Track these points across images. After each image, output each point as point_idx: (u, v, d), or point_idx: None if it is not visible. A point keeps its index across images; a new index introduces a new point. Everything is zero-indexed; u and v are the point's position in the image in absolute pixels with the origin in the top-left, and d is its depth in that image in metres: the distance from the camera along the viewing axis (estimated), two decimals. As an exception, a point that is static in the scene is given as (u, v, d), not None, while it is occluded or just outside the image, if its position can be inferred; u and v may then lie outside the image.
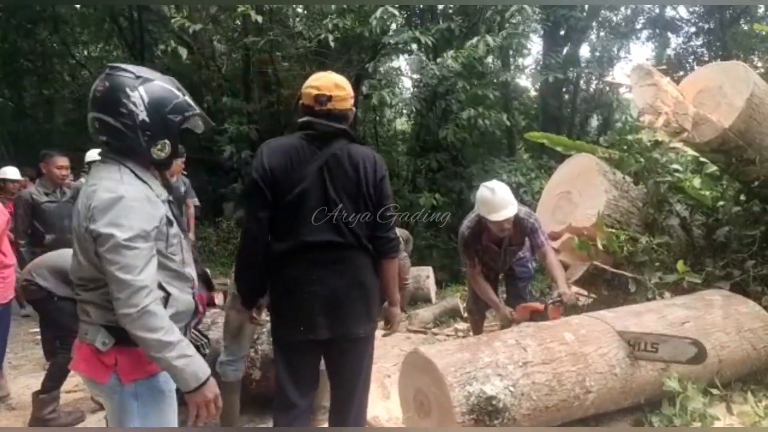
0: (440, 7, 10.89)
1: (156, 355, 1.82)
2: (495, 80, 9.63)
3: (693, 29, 16.44)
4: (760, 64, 15.22)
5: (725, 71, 4.21)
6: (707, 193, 4.85)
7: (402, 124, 15.58)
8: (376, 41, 9.31)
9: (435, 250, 10.35)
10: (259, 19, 8.23)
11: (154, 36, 15.22)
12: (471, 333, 5.27)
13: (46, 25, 14.09)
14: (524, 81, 16.95)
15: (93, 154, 6.60)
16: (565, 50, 13.91)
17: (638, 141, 4.74)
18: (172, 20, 9.37)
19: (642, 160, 4.72)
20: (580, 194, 4.64)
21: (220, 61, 12.92)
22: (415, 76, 10.08)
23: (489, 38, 7.80)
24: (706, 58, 15.89)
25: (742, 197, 4.55)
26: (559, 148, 5.31)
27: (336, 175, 2.45)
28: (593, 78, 16.68)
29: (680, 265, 4.16)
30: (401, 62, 12.47)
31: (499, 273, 4.71)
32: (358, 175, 2.46)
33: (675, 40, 17.11)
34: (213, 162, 12.47)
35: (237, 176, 11.71)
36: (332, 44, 8.30)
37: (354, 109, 2.69)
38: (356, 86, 10.93)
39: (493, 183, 4.08)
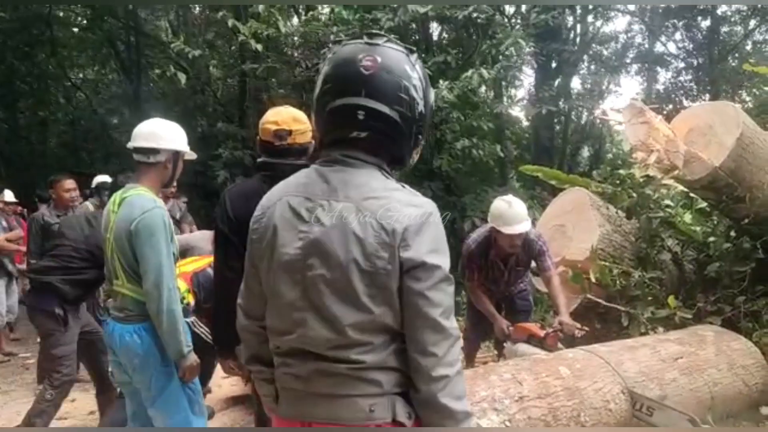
0: (435, 38, 11.09)
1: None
2: (489, 110, 9.74)
3: (682, 64, 16.76)
4: (748, 99, 15.50)
5: (716, 110, 4.31)
6: (698, 228, 4.95)
7: (395, 152, 15.68)
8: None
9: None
10: (259, 47, 8.34)
11: (150, 60, 15.37)
12: (464, 362, 5.28)
13: (43, 48, 14.18)
14: (516, 111, 17.20)
15: (100, 179, 6.75)
16: (557, 82, 14.15)
17: (630, 176, 4.84)
18: (171, 45, 9.48)
19: (634, 195, 4.81)
20: (573, 228, 4.71)
21: (215, 86, 13.02)
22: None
23: (483, 71, 7.94)
24: (695, 93, 16.20)
25: (733, 233, 4.62)
26: (553, 182, 5.40)
27: None
28: (584, 110, 16.97)
29: (671, 300, 4.23)
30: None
31: (499, 300, 4.71)
32: None
33: (664, 75, 17.46)
34: (207, 187, 12.49)
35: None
36: (330, 73, 8.40)
37: (313, 141, 2.60)
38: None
39: (510, 197, 4.14)
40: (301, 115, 2.61)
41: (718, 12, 15.21)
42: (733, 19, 16.04)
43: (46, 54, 14.31)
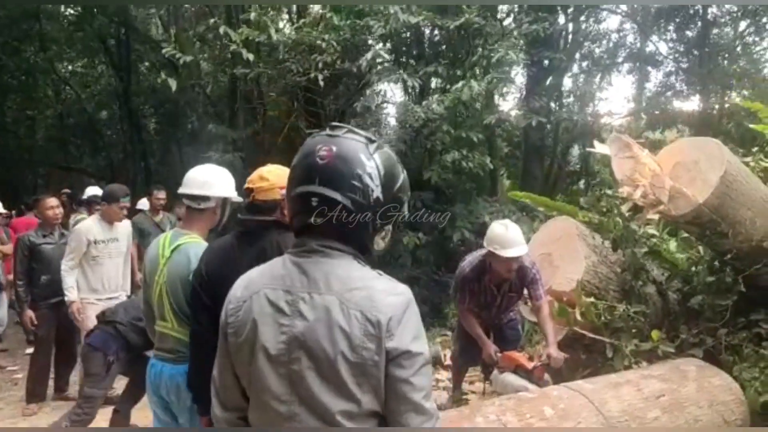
0: (427, 44, 11.04)
1: None
2: (479, 111, 9.72)
3: (672, 65, 16.79)
4: (738, 100, 15.57)
5: (700, 147, 4.35)
6: (682, 256, 5.03)
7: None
8: (362, 77, 9.45)
9: (417, 282, 10.41)
10: (251, 57, 8.32)
11: (140, 55, 15.25)
12: (451, 383, 5.37)
13: (32, 43, 14.04)
14: (507, 107, 17.18)
15: (91, 191, 6.74)
16: (548, 81, 14.15)
17: (616, 205, 4.89)
18: (163, 50, 9.43)
19: (620, 222, 4.86)
20: (560, 258, 4.76)
21: (206, 80, 12.92)
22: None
23: (474, 83, 7.95)
24: (685, 94, 16.28)
25: (716, 263, 4.70)
26: (541, 209, 5.46)
27: None
28: (575, 109, 16.96)
29: (655, 333, 4.31)
30: (389, 108, 12.64)
31: (488, 327, 4.78)
32: None
33: (655, 75, 17.50)
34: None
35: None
36: (321, 83, 8.42)
37: (284, 200, 2.58)
38: (341, 122, 10.96)
39: (506, 221, 4.30)
40: (270, 173, 2.63)
41: (708, 17, 15.24)
42: (723, 21, 16.08)
43: (34, 49, 14.17)
